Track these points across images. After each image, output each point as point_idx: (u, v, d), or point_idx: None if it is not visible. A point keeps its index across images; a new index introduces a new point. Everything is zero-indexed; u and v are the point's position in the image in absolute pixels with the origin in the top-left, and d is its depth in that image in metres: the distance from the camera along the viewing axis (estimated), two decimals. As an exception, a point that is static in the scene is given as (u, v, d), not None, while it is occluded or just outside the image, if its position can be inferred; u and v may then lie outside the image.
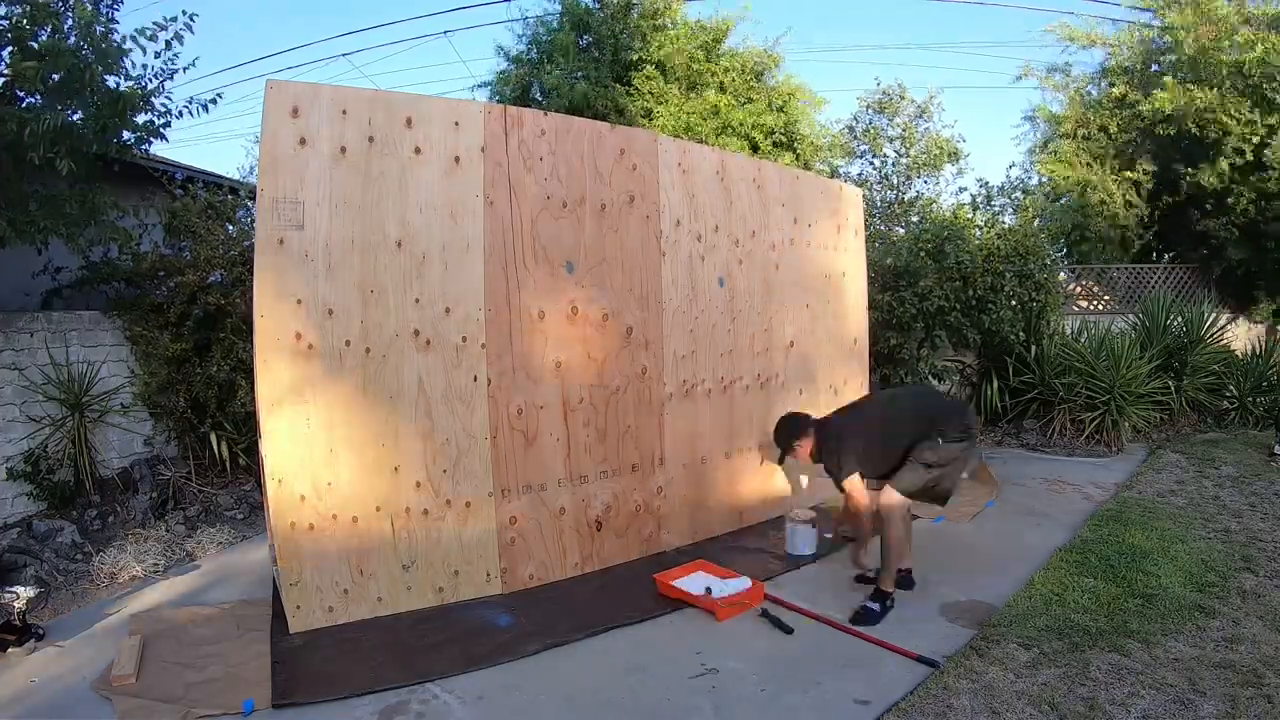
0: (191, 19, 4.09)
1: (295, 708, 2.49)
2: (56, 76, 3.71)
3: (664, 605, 3.28)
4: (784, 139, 9.55)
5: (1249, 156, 8.91)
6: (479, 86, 11.03)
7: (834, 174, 10.10)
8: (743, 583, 3.36)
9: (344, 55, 33.64)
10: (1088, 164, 10.47)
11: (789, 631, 3.04)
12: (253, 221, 3.80)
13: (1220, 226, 9.46)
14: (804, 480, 4.77)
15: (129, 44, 3.93)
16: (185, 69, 4.22)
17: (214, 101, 4.47)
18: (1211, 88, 9.07)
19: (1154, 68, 10.39)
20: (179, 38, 4.09)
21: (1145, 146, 10.25)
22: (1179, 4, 9.65)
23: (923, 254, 6.77)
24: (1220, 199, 9.40)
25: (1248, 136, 8.84)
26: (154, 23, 4.00)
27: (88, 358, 4.69)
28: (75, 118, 3.90)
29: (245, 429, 4.90)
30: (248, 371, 4.73)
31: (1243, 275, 9.79)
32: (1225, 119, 8.90)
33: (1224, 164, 9.07)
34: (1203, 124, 9.13)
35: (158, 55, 4.08)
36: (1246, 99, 8.92)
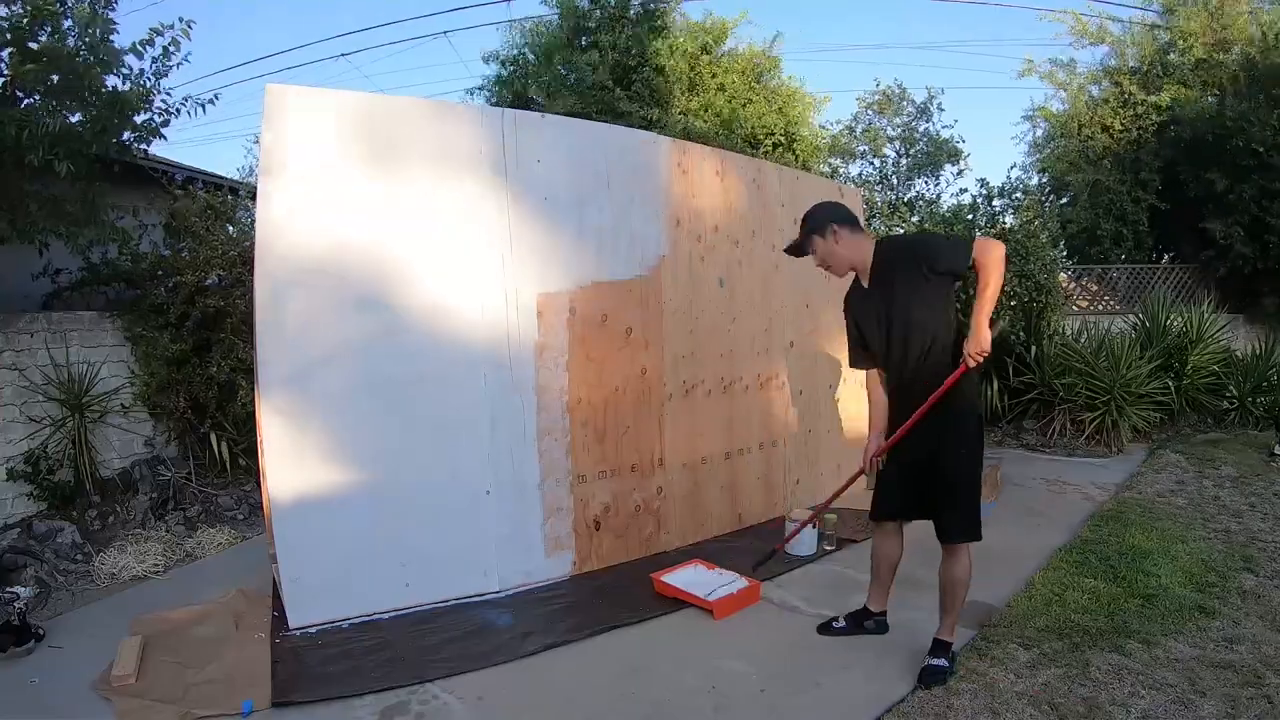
0: (189, 25, 4.09)
1: (295, 707, 2.49)
2: (56, 78, 3.71)
3: (663, 605, 3.28)
4: (784, 140, 9.54)
5: (1265, 157, 8.93)
6: (475, 90, 11.01)
7: (834, 174, 10.11)
8: (740, 582, 3.37)
9: (343, 55, 33.61)
10: (1090, 164, 10.47)
11: None
12: (253, 222, 3.80)
13: (1225, 226, 9.45)
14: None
15: (127, 56, 3.93)
16: (179, 65, 4.20)
17: (212, 102, 4.48)
18: (1232, 93, 9.10)
19: (1158, 69, 10.39)
20: (175, 44, 4.09)
21: (1150, 146, 10.24)
22: (1189, 5, 9.69)
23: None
24: (1222, 198, 9.40)
25: (1268, 138, 8.85)
26: (150, 29, 4.00)
27: (88, 358, 4.69)
28: (74, 119, 3.90)
29: (245, 429, 4.89)
30: (248, 372, 4.73)
31: (1245, 275, 9.77)
32: (1246, 124, 8.91)
33: (1236, 164, 9.08)
34: (1220, 127, 9.13)
35: (154, 61, 4.09)
36: (1259, 104, 8.94)
